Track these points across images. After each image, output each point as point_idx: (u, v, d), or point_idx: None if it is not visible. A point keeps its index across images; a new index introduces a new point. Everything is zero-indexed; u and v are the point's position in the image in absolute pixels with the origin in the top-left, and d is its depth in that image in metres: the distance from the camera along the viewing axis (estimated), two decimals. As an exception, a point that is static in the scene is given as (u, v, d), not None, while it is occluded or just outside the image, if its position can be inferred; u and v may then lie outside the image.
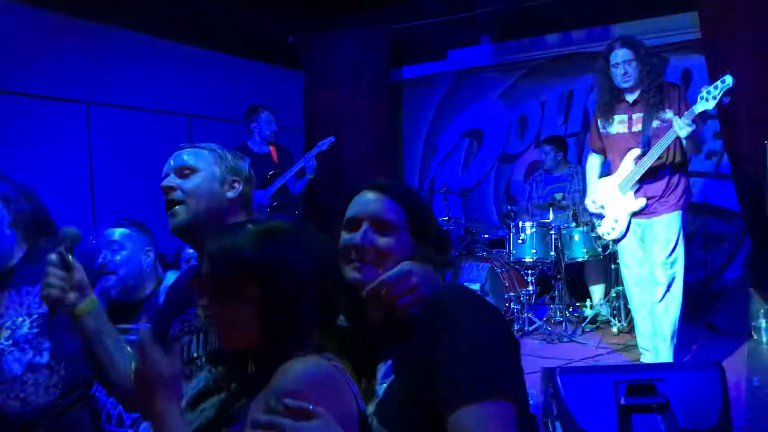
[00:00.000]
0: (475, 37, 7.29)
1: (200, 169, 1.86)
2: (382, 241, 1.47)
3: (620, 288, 5.10)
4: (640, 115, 4.04)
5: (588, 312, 5.53)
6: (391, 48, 6.92)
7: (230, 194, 1.87)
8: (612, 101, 4.11)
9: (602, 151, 4.35)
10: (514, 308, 5.45)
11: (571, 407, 2.21)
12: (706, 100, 3.74)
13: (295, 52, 7.08)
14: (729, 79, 3.73)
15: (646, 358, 4.23)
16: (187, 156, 1.88)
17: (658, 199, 4.08)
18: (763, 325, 4.80)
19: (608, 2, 5.80)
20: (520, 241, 5.48)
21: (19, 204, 2.21)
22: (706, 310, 5.67)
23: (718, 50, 5.44)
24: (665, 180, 4.09)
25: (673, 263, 4.09)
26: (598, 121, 4.24)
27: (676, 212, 4.11)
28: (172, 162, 1.88)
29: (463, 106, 7.51)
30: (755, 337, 4.87)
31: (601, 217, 4.30)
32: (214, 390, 1.63)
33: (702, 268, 6.26)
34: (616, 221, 4.17)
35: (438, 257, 1.52)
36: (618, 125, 4.13)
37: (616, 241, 4.33)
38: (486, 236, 6.25)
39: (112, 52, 5.54)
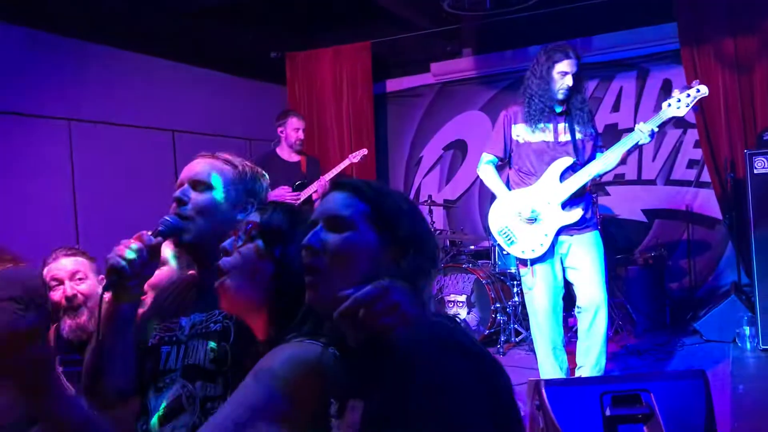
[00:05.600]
0: (457, 49, 7.34)
1: (216, 187, 1.76)
2: (333, 238, 1.28)
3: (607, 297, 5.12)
4: (566, 125, 3.80)
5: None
6: (373, 62, 6.94)
7: (241, 216, 1.76)
8: (544, 108, 3.80)
9: (502, 159, 3.98)
10: (500, 319, 5.45)
11: (557, 419, 2.21)
12: (678, 108, 3.63)
13: (279, 67, 7.09)
14: (704, 89, 3.64)
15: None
16: (206, 169, 1.78)
17: (585, 213, 3.81)
18: (747, 332, 4.85)
19: (588, 14, 5.85)
20: (505, 252, 5.49)
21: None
22: (691, 317, 5.72)
23: (696, 60, 5.52)
24: (587, 194, 3.89)
25: (606, 287, 3.85)
26: (514, 126, 3.89)
27: (598, 231, 3.88)
28: (189, 171, 1.79)
29: (446, 118, 7.53)
30: (739, 344, 4.91)
31: (505, 234, 3.89)
32: (186, 407, 1.60)
33: (686, 276, 6.31)
34: (546, 236, 3.76)
35: (410, 260, 1.28)
36: (541, 134, 3.81)
37: (533, 261, 3.82)
38: (471, 247, 6.26)
39: (94, 68, 5.50)
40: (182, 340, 1.70)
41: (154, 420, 1.62)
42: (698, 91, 3.63)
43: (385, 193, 1.35)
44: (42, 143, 5.12)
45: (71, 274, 2.38)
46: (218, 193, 1.76)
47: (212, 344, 1.64)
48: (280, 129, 5.60)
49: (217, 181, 1.77)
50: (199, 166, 1.79)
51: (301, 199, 5.44)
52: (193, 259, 1.83)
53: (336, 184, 1.37)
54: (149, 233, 1.64)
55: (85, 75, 5.45)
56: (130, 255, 1.57)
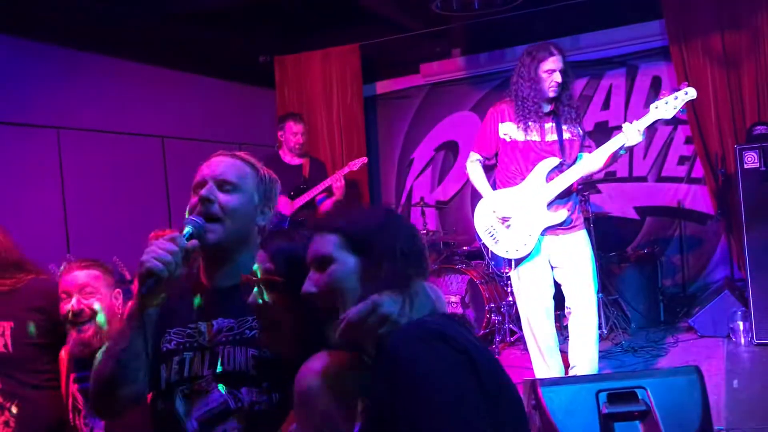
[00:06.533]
0: (446, 50, 7.34)
1: (243, 190, 1.71)
2: (321, 277, 1.43)
3: (600, 295, 5.12)
4: (552, 124, 3.78)
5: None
6: (362, 64, 6.93)
7: (260, 221, 1.76)
8: (534, 110, 3.76)
9: (489, 158, 3.98)
10: (494, 319, 5.45)
11: (553, 418, 2.20)
12: (665, 110, 3.58)
13: (268, 71, 7.07)
14: (692, 92, 3.58)
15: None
16: (232, 170, 1.71)
17: (572, 213, 3.79)
18: (741, 327, 4.85)
19: (576, 12, 5.86)
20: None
21: None
22: (685, 313, 5.72)
23: (685, 56, 5.54)
24: (573, 195, 3.86)
25: (596, 286, 3.84)
26: (501, 125, 3.85)
27: (585, 230, 3.87)
28: (214, 170, 1.71)
29: (436, 119, 7.52)
30: (733, 339, 4.92)
31: (490, 234, 3.92)
32: (235, 412, 1.61)
33: (679, 272, 6.32)
34: (530, 236, 3.74)
35: (387, 270, 1.40)
36: (528, 133, 3.77)
37: (518, 261, 3.83)
38: (464, 248, 6.25)
39: (82, 76, 5.47)
40: (206, 345, 1.68)
41: (192, 424, 1.63)
42: (686, 93, 3.59)
43: (356, 218, 1.48)
44: (31, 151, 5.09)
45: (81, 287, 2.31)
46: (245, 196, 1.72)
47: (253, 351, 1.64)
48: (280, 133, 5.75)
49: (244, 183, 1.72)
50: (225, 166, 1.73)
51: (299, 205, 5.49)
52: (209, 261, 1.76)
53: (316, 227, 1.50)
54: (180, 235, 1.59)
55: (73, 82, 5.42)
56: (168, 258, 1.51)
